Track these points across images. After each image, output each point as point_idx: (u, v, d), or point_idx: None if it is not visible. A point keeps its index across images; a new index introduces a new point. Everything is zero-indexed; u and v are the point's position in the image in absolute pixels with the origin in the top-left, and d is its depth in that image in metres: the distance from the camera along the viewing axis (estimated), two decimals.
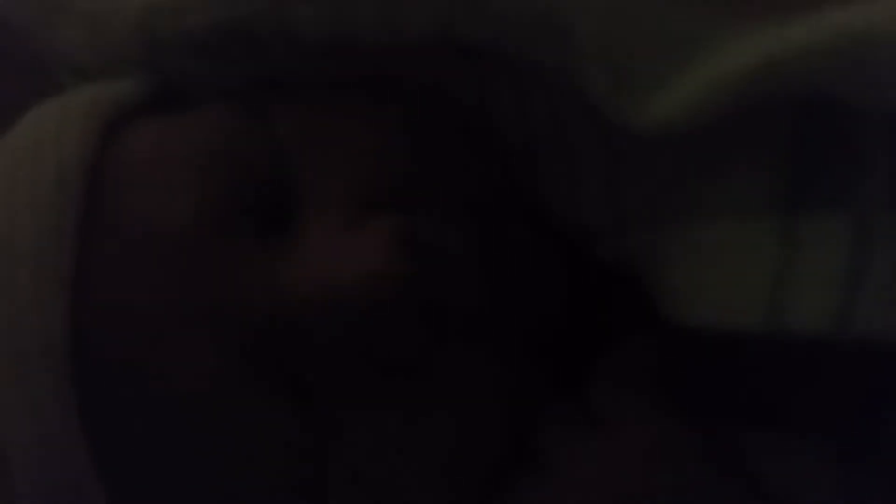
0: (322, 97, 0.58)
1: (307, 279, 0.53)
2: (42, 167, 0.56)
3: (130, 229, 0.54)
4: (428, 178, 0.56)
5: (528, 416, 0.57)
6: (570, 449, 0.55)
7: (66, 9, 0.62)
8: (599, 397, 0.56)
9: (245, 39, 0.57)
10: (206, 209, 0.54)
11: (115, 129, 0.57)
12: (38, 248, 0.54)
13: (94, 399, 0.54)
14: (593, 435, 0.55)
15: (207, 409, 0.53)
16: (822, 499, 0.56)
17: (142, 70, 0.60)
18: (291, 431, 0.54)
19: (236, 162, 0.55)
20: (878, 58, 0.49)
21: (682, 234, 0.55)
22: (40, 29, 0.63)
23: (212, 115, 0.58)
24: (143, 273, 0.54)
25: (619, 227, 0.57)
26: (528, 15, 0.54)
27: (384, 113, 0.57)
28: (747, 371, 0.56)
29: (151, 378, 0.53)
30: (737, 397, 0.56)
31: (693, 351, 0.56)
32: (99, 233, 0.54)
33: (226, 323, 0.53)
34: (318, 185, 0.55)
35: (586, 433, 0.56)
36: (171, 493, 0.55)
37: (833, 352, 0.53)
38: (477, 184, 0.57)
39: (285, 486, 0.55)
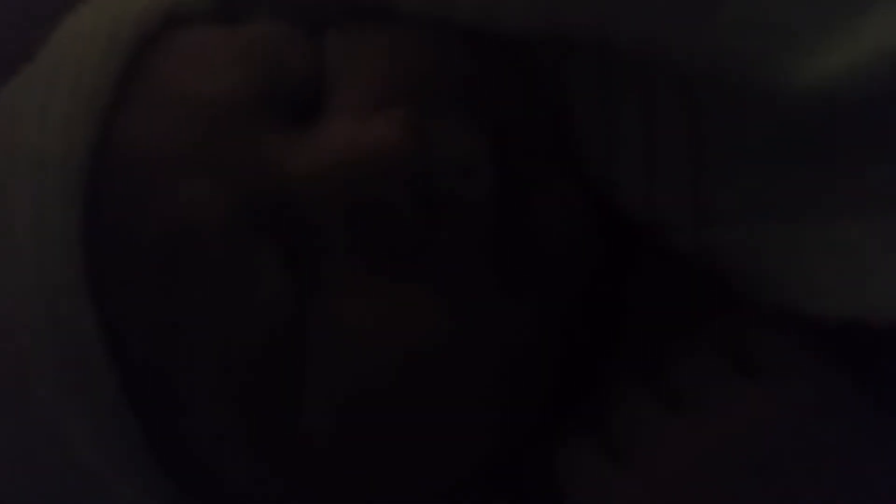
0: (373, 24, 0.59)
1: (317, 155, 0.54)
2: (99, 27, 0.58)
3: (165, 92, 0.56)
4: (454, 92, 0.56)
5: (526, 350, 0.55)
6: (651, 431, 0.54)
7: None
8: (685, 381, 0.55)
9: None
10: (239, 91, 0.56)
11: (173, 21, 0.59)
12: (77, 85, 0.56)
13: (101, 257, 0.55)
14: (674, 416, 0.54)
15: (205, 250, 0.54)
16: None
17: None
18: (277, 283, 0.54)
19: (275, 61, 0.57)
20: None
21: (818, 229, 0.54)
22: None
23: (263, 24, 0.59)
24: (168, 129, 0.55)
25: (701, 220, 0.56)
26: None
27: (427, 35, 0.58)
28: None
29: (157, 218, 0.54)
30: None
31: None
32: (138, 88, 0.56)
33: (237, 179, 0.54)
34: (347, 91, 0.56)
35: (666, 415, 0.54)
36: (165, 348, 0.55)
37: None
38: (508, 117, 0.57)
39: (264, 347, 0.54)
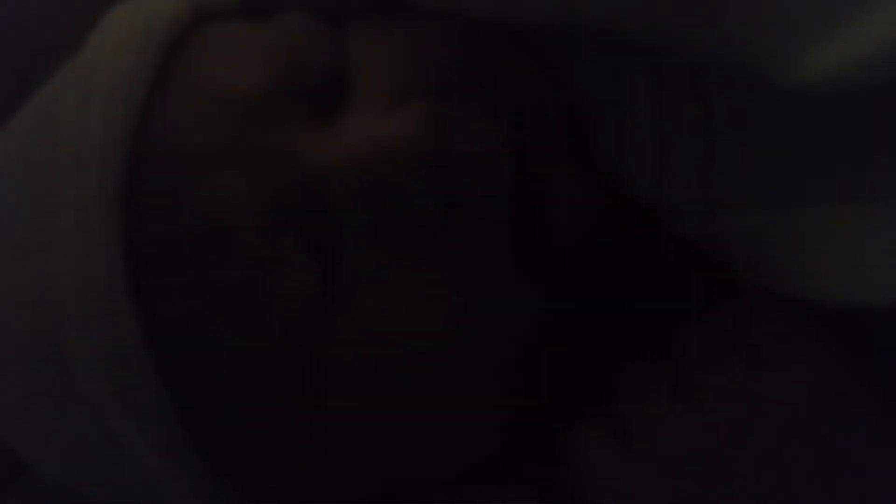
0: (393, 18, 0.60)
1: (341, 148, 0.56)
2: (134, 25, 0.60)
3: (196, 88, 0.58)
4: (474, 84, 0.58)
5: (542, 335, 0.57)
6: (661, 416, 0.55)
7: None
8: (692, 366, 0.56)
9: None
10: (266, 86, 0.57)
11: (203, 18, 0.61)
12: (112, 84, 0.58)
13: (138, 252, 0.57)
14: (683, 401, 0.55)
15: (235, 241, 0.56)
16: None
17: None
18: (303, 273, 0.56)
19: (301, 55, 0.58)
20: None
21: (818, 215, 0.55)
22: None
23: (288, 19, 0.60)
24: (199, 124, 0.57)
25: (710, 207, 0.57)
26: None
27: (448, 28, 0.59)
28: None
29: (190, 209, 0.56)
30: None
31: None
32: (171, 85, 0.58)
33: (266, 173, 0.56)
34: (370, 84, 0.58)
35: (675, 400, 0.55)
36: (199, 337, 0.57)
37: None
38: (525, 109, 0.58)
39: (292, 334, 0.56)
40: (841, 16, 0.53)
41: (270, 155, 0.56)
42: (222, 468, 0.59)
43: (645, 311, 0.59)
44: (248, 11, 0.62)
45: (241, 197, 0.56)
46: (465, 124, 0.56)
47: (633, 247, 0.60)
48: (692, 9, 0.55)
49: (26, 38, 0.70)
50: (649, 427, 0.56)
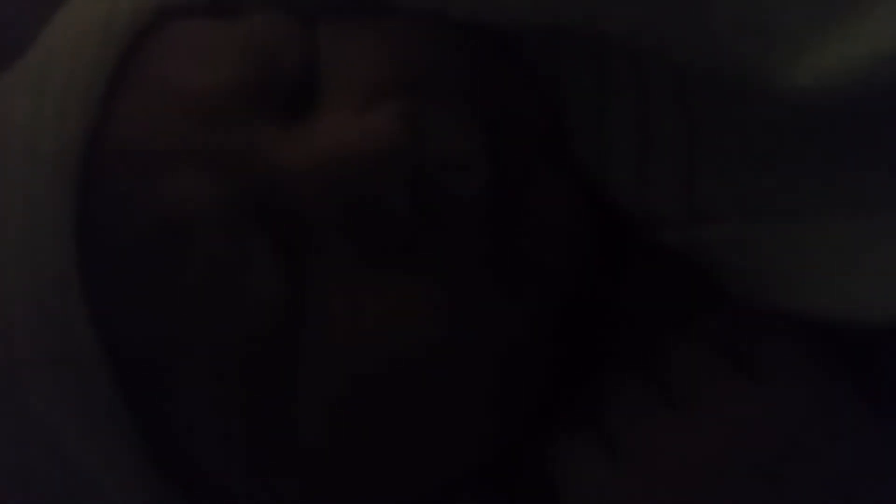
0: (366, 15, 0.58)
1: (311, 148, 0.54)
2: (93, 20, 0.57)
3: (158, 84, 0.56)
4: (450, 85, 0.56)
5: (521, 348, 0.55)
6: (648, 427, 0.54)
7: None
8: (679, 376, 0.54)
9: None
10: (232, 83, 0.55)
11: (167, 13, 0.58)
12: (71, 78, 0.55)
13: (93, 252, 0.54)
14: (671, 412, 0.54)
15: (197, 243, 0.53)
16: None
17: None
18: (271, 277, 0.54)
19: (269, 52, 0.56)
20: None
21: (813, 227, 0.54)
22: None
23: (256, 15, 0.58)
24: (160, 121, 0.55)
25: (694, 216, 0.56)
26: None
27: (423, 28, 0.57)
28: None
29: (151, 209, 0.53)
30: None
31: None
32: (131, 81, 0.56)
33: (230, 172, 0.54)
34: (341, 83, 0.56)
35: (663, 411, 0.54)
36: (158, 343, 0.54)
37: None
38: (503, 111, 0.56)
39: (256, 342, 0.53)
40: (833, 23, 0.53)
41: (235, 153, 0.54)
42: (184, 487, 0.56)
43: (629, 319, 0.57)
44: (214, 7, 0.60)
45: (204, 196, 0.53)
46: (440, 126, 0.54)
47: (616, 255, 0.58)
48: (678, 13, 0.54)
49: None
50: (636, 437, 0.54)
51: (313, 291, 0.54)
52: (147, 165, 0.54)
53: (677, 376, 0.55)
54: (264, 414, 0.54)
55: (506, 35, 0.58)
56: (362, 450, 0.55)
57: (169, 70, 0.56)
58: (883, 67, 0.51)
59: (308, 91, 0.56)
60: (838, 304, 0.53)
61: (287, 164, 0.54)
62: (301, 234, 0.54)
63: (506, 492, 0.58)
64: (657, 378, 0.55)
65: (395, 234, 0.53)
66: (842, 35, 0.52)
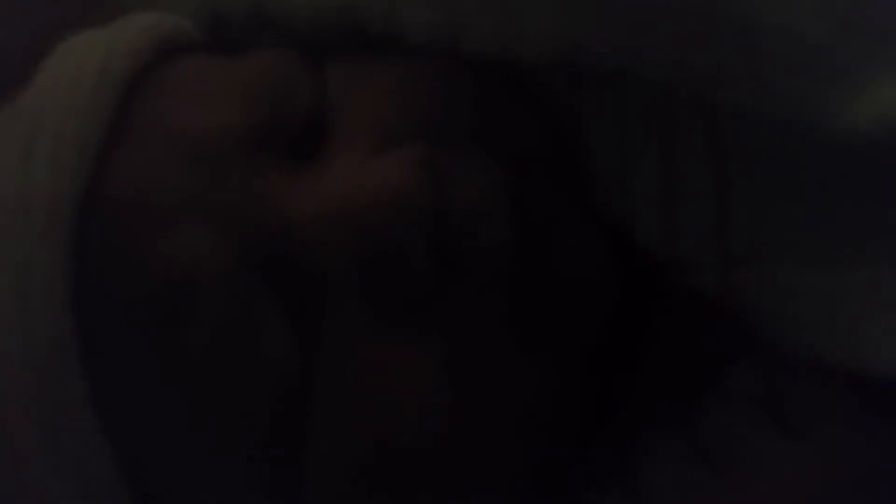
0: (376, 54, 0.56)
1: (324, 197, 0.51)
2: (89, 61, 0.54)
3: (158, 130, 0.52)
4: (466, 127, 0.53)
5: (543, 408, 0.52)
6: (687, 488, 0.51)
7: None
8: (716, 434, 0.52)
9: (342, 30, 0.56)
10: (237, 127, 0.52)
11: (168, 51, 0.56)
12: (63, 127, 0.52)
13: (90, 317, 0.51)
14: (709, 473, 0.51)
15: (203, 303, 0.50)
16: None
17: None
18: (282, 341, 0.51)
19: (275, 93, 0.53)
20: None
21: (859, 276, 0.51)
22: None
23: (262, 54, 0.55)
24: (161, 171, 0.51)
25: (727, 261, 0.53)
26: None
27: (435, 66, 0.54)
28: None
29: (151, 271, 0.50)
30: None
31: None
32: (130, 128, 0.53)
33: (236, 225, 0.51)
34: (352, 126, 0.53)
35: (701, 472, 0.51)
36: (160, 413, 0.51)
37: None
38: (523, 153, 0.53)
39: (265, 407, 0.51)
40: (886, 62, 0.50)
41: (241, 205, 0.51)
42: None
43: (660, 370, 0.54)
44: (218, 46, 0.57)
45: (209, 253, 0.50)
46: (458, 171, 0.51)
47: (645, 302, 0.55)
48: (717, 49, 0.51)
49: None
50: (672, 496, 0.51)
51: (326, 350, 0.51)
52: (147, 221, 0.51)
53: (714, 434, 0.52)
54: (275, 481, 0.52)
55: (524, 71, 0.55)
56: None
57: (170, 115, 0.53)
58: None
59: (316, 133, 0.53)
60: (876, 355, 0.50)
61: (296, 214, 0.51)
62: (313, 287, 0.51)
63: None
64: (693, 435, 0.52)
65: (412, 287, 0.50)
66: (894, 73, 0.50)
